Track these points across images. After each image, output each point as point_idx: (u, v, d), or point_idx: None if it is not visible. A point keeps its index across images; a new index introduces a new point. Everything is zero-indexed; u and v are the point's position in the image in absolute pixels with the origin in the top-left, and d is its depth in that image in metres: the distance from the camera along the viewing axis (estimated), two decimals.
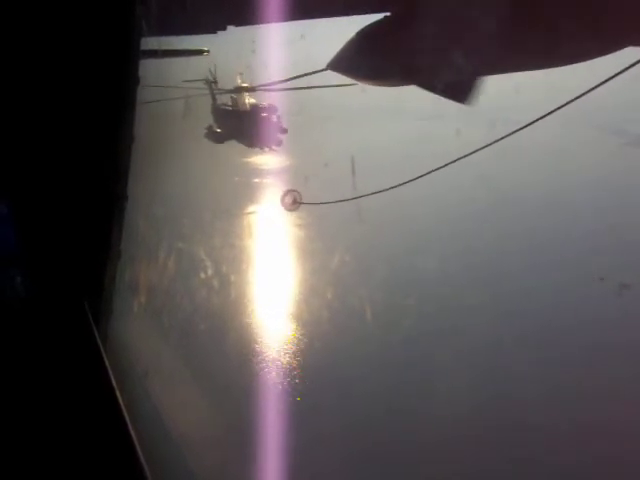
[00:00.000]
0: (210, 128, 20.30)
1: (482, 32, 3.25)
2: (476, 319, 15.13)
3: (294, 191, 9.92)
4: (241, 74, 19.90)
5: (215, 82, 20.13)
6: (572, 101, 3.63)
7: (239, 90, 19.78)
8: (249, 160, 22.10)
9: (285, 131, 18.97)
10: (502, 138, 4.19)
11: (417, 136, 25.24)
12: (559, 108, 3.69)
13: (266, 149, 19.68)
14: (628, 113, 24.26)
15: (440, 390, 12.70)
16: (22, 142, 3.29)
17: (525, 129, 4.03)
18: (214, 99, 20.47)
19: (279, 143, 19.11)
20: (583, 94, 3.60)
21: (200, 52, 9.19)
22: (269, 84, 18.53)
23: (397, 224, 19.13)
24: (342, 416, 12.07)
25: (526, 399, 12.79)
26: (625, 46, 3.40)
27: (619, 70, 3.34)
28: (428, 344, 14.46)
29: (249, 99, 19.61)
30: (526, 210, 20.98)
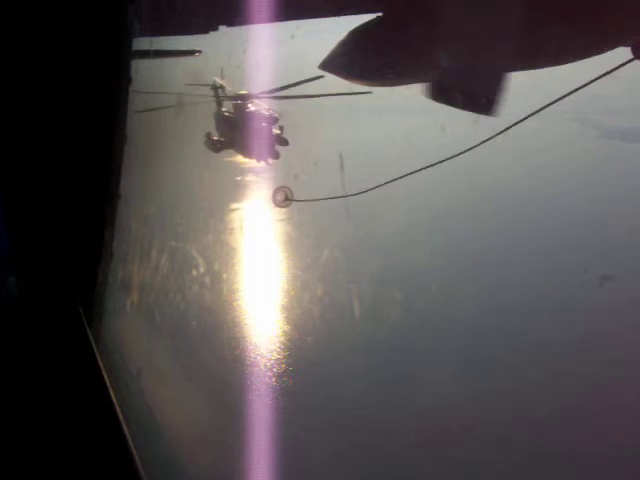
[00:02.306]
0: (208, 135, 19.27)
1: (474, 33, 3.27)
2: (466, 313, 15.31)
3: (285, 188, 9.89)
4: (232, 77, 19.29)
5: (222, 87, 19.13)
6: (561, 98, 3.66)
7: (239, 97, 19.02)
8: (242, 159, 21.79)
9: (286, 142, 17.81)
10: (489, 139, 4.21)
11: (407, 134, 25.35)
12: (548, 106, 3.72)
13: (262, 162, 18.34)
14: (602, 106, 24.54)
15: (432, 385, 12.82)
16: (12, 141, 3.27)
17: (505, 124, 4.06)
18: (219, 104, 19.42)
19: (277, 156, 17.86)
20: (572, 92, 3.64)
21: (192, 52, 9.09)
22: (269, 91, 17.87)
23: (387, 219, 19.19)
24: (336, 413, 12.13)
25: (517, 391, 12.96)
26: (616, 46, 3.43)
27: (608, 70, 3.37)
28: (419, 340, 14.59)
29: (250, 107, 18.52)
30: (510, 205, 21.39)
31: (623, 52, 3.46)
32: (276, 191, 9.15)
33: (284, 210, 15.83)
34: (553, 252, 18.07)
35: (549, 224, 19.75)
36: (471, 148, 4.16)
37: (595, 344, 13.92)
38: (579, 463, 11.25)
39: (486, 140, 4.04)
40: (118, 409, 2.87)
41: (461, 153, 4.26)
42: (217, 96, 19.42)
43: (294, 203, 9.83)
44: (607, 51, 3.44)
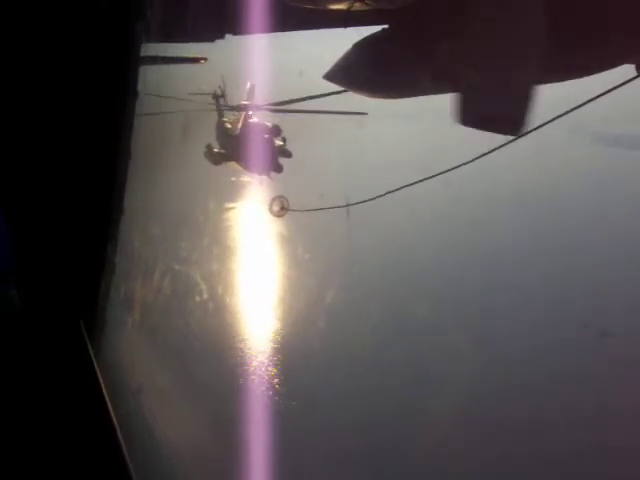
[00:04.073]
0: (209, 146, 18.55)
1: (481, 47, 3.29)
2: (467, 321, 15.32)
3: (281, 197, 9.88)
4: (236, 86, 18.86)
5: (223, 96, 18.52)
6: (571, 111, 3.67)
7: (242, 107, 18.10)
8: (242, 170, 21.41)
9: (289, 154, 17.11)
10: (497, 148, 4.21)
11: (410, 142, 25.58)
12: (556, 118, 3.74)
13: (264, 176, 17.34)
14: (606, 115, 24.83)
15: (430, 391, 12.81)
16: (16, 155, 3.27)
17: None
18: (220, 114, 18.81)
19: (280, 170, 17.06)
20: (581, 105, 3.65)
21: (197, 60, 9.04)
22: (273, 104, 17.42)
23: (388, 225, 19.16)
24: (339, 425, 12.08)
25: (519, 399, 12.90)
26: (622, 63, 3.46)
27: (616, 85, 3.39)
28: (419, 346, 14.55)
29: (252, 118, 17.88)
30: (511, 210, 21.53)
31: (628, 69, 3.50)
32: (272, 200, 9.17)
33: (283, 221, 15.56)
34: (553, 255, 18.27)
35: (550, 227, 19.99)
36: (475, 159, 4.15)
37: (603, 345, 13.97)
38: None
39: (489, 152, 4.04)
40: (117, 426, 2.83)
41: (462, 165, 4.26)
42: (219, 105, 18.80)
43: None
44: (613, 67, 3.46)
